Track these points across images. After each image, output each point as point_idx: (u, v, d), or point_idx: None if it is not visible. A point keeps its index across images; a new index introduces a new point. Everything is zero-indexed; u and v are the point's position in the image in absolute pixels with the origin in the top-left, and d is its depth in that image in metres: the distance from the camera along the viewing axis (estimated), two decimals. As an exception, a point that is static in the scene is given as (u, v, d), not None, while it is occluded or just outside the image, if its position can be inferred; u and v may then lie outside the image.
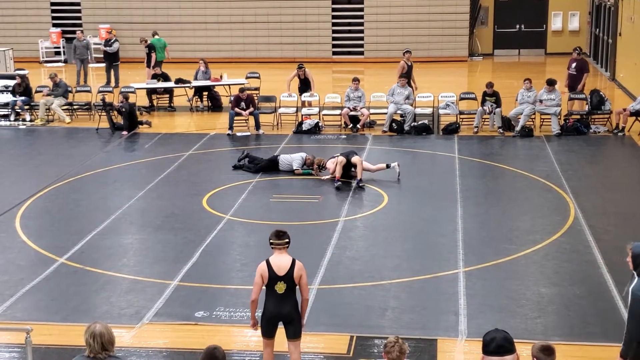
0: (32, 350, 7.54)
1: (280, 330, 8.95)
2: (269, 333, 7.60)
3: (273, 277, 7.45)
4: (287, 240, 7.58)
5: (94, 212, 13.30)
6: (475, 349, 8.31)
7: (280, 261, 7.51)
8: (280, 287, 7.47)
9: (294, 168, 15.33)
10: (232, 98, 19.31)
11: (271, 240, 7.60)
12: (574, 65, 19.57)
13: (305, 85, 20.15)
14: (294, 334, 7.61)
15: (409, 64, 20.28)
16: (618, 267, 10.62)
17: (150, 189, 14.53)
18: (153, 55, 23.46)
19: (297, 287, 7.59)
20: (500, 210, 13.25)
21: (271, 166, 15.47)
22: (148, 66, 23.49)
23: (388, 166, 14.95)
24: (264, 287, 7.59)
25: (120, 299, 9.95)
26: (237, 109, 18.67)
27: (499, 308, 9.54)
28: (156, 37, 25.41)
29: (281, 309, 7.50)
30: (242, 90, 19.07)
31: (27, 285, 10.32)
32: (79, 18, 30.74)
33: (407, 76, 19.95)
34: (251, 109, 18.75)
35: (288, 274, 7.47)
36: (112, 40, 24.31)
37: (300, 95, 20.01)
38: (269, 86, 22.01)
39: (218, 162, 16.63)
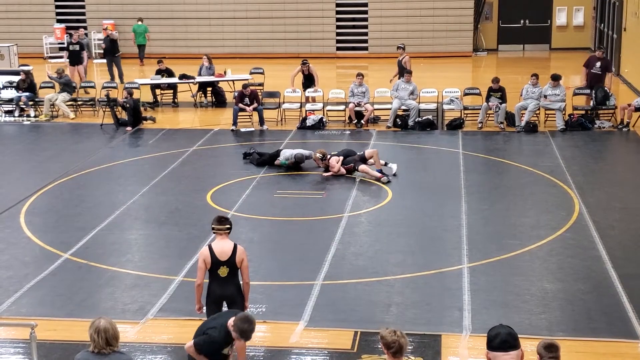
0: (36, 346, 7.56)
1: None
2: (214, 314, 7.72)
3: (215, 262, 7.72)
4: (228, 225, 7.85)
5: (99, 208, 13.31)
6: (479, 345, 8.31)
7: (223, 246, 7.76)
8: (223, 271, 7.77)
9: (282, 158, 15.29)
10: (236, 94, 19.31)
11: (213, 226, 7.87)
12: (598, 64, 19.27)
13: (309, 80, 20.14)
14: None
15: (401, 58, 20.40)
16: (623, 262, 10.63)
17: (155, 184, 14.55)
18: (84, 53, 23.44)
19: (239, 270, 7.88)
20: (505, 205, 13.24)
21: (273, 161, 15.47)
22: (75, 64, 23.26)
23: (386, 164, 14.99)
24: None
25: (125, 294, 9.96)
26: (241, 105, 18.68)
27: (503, 304, 9.53)
28: (138, 22, 25.58)
29: (224, 291, 7.81)
30: (245, 86, 19.06)
31: (32, 280, 10.34)
32: (83, 14, 30.76)
33: (401, 72, 20.05)
34: (255, 105, 18.75)
35: (230, 259, 7.73)
36: (107, 37, 24.24)
37: (304, 90, 20.00)
38: (272, 82, 22.01)
39: (222, 157, 16.64)
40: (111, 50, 23.94)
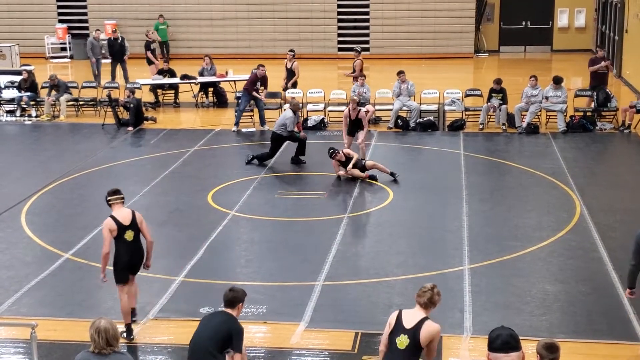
0: (37, 346, 7.57)
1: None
2: (124, 279, 8.74)
3: (121, 227, 8.57)
4: (122, 195, 8.80)
5: (100, 208, 13.19)
6: (480, 346, 8.30)
7: (122, 213, 8.67)
8: (129, 235, 8.62)
9: (289, 130, 15.50)
10: (252, 72, 18.78)
11: (108, 198, 8.77)
12: (602, 63, 19.51)
13: (290, 75, 20.25)
14: (135, 272, 8.91)
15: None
16: (624, 264, 10.60)
17: (156, 184, 14.54)
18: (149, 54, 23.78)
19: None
20: (506, 207, 13.23)
21: (272, 155, 15.66)
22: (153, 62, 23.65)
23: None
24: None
25: (125, 294, 9.95)
26: (255, 94, 18.47)
27: (504, 305, 9.52)
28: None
29: (132, 256, 8.73)
30: (260, 77, 18.65)
31: (33, 280, 10.34)
32: (85, 14, 30.77)
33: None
34: (264, 90, 18.70)
35: (132, 222, 8.64)
36: (120, 38, 24.09)
37: (285, 84, 20.12)
38: (274, 82, 21.96)
39: (223, 158, 16.65)
40: (120, 52, 23.75)
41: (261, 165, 15.58)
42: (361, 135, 15.42)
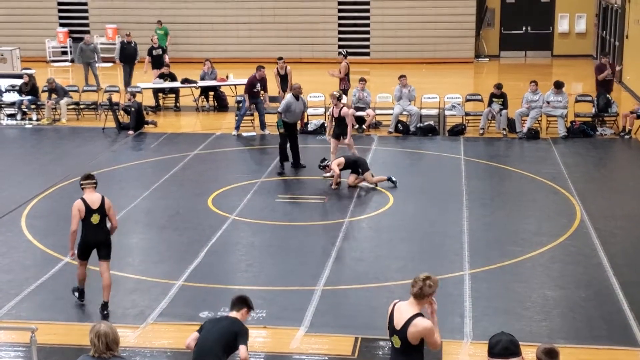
0: (37, 350, 7.56)
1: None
2: (85, 256, 9.47)
3: (89, 210, 9.25)
4: (95, 180, 9.48)
5: (100, 212, 13.28)
6: (480, 352, 8.29)
7: (92, 197, 9.35)
8: (95, 219, 9.30)
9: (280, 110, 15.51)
10: (251, 75, 18.68)
11: (81, 182, 9.43)
12: (608, 71, 19.60)
13: (284, 82, 20.25)
14: (105, 256, 9.46)
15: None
16: (624, 270, 10.61)
17: (156, 188, 14.54)
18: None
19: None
20: (506, 212, 13.22)
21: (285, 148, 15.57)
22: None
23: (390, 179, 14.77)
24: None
25: (125, 298, 9.95)
26: (246, 98, 18.36)
27: (505, 310, 9.52)
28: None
29: (97, 236, 9.36)
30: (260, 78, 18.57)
31: (32, 284, 10.33)
32: (86, 18, 30.80)
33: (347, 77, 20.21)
34: (264, 94, 18.64)
35: (100, 206, 9.32)
36: (133, 42, 23.97)
37: (284, 91, 20.13)
38: (274, 86, 21.97)
39: (223, 162, 16.65)
40: (132, 56, 23.67)
41: (261, 168, 15.55)
42: (347, 137, 15.14)
